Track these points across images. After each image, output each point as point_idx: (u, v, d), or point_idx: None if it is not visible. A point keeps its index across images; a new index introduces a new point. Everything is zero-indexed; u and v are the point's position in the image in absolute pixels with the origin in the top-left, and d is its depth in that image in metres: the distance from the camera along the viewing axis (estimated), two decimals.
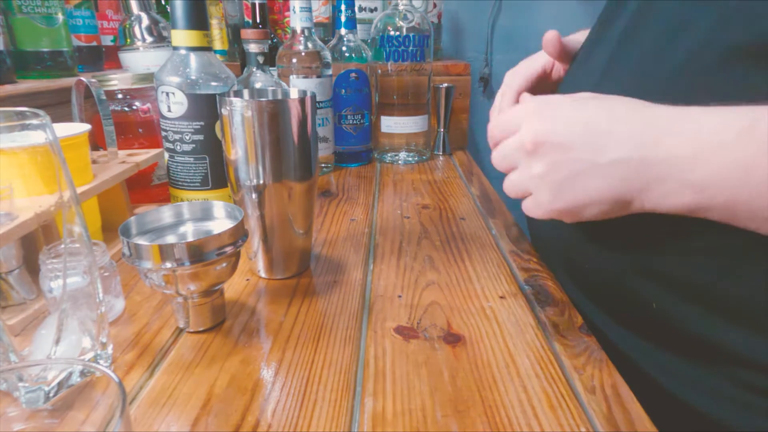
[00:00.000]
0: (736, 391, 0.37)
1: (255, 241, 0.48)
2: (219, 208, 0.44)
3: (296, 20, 0.79)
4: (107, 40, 0.94)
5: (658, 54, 0.39)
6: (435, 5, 1.15)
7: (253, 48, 0.69)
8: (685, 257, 0.37)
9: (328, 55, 0.82)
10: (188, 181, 0.60)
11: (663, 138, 0.31)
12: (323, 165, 0.88)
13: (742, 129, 0.29)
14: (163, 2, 1.01)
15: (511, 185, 0.39)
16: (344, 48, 0.89)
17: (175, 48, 0.57)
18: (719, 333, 0.37)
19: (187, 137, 0.58)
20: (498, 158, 0.39)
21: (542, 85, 0.59)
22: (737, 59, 0.34)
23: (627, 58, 0.42)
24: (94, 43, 0.87)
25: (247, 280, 0.50)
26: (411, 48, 0.88)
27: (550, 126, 0.35)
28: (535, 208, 0.38)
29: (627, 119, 0.33)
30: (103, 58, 0.90)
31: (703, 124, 0.30)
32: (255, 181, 0.46)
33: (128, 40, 0.87)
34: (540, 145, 0.35)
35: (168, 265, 0.36)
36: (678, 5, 0.38)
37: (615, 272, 0.42)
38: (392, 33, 0.88)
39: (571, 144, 0.34)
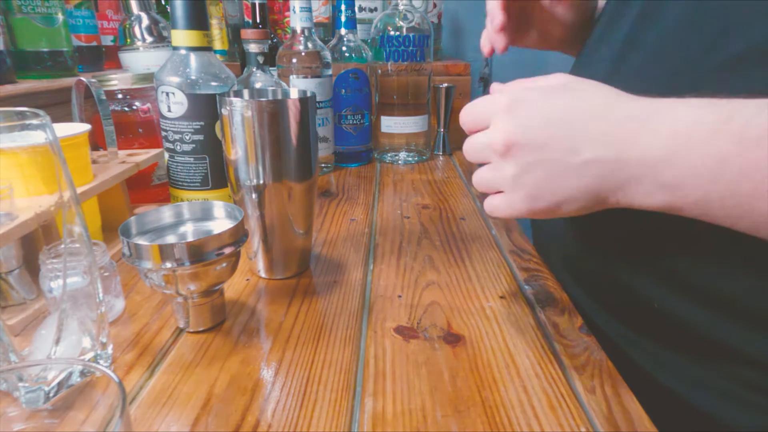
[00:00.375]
0: (737, 389, 0.37)
1: (255, 241, 0.48)
2: (219, 208, 0.44)
3: (296, 20, 0.79)
4: (107, 40, 0.94)
5: (663, 55, 0.39)
6: (435, 5, 1.15)
7: (253, 48, 0.69)
8: (686, 256, 0.37)
9: (328, 55, 0.82)
10: (188, 181, 0.60)
11: (638, 136, 0.30)
12: (323, 165, 0.88)
13: (717, 124, 0.28)
14: (163, 2, 1.01)
15: (482, 181, 0.37)
16: (344, 48, 0.89)
17: (175, 48, 0.57)
18: (719, 331, 0.37)
19: (187, 137, 0.58)
20: (470, 150, 0.38)
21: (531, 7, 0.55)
22: (746, 61, 0.33)
23: (632, 59, 0.42)
24: (94, 43, 0.87)
25: (247, 280, 0.50)
26: (411, 48, 0.88)
27: (521, 126, 0.34)
28: (507, 207, 0.36)
29: (602, 115, 0.32)
30: (103, 58, 0.90)
31: (678, 120, 0.30)
32: (255, 181, 0.46)
33: (128, 40, 0.87)
34: (511, 146, 0.34)
35: (168, 265, 0.36)
36: (685, 5, 0.38)
37: (615, 271, 0.42)
38: (392, 33, 0.88)
39: (543, 144, 0.33)
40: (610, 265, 0.43)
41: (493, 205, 0.36)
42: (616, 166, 0.31)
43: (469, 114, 0.37)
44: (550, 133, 0.33)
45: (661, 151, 0.30)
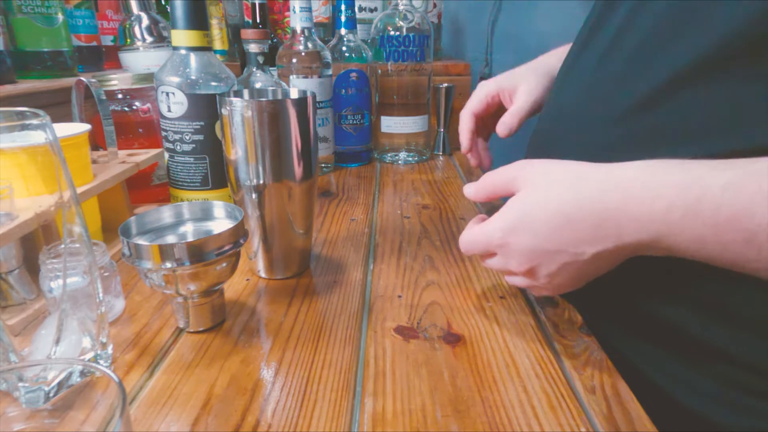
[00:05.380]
0: (728, 392, 0.37)
1: (255, 241, 0.48)
2: (219, 208, 0.44)
3: (296, 20, 0.79)
4: (107, 40, 0.94)
5: (643, 59, 0.39)
6: (435, 5, 1.16)
7: (253, 48, 0.69)
8: (675, 261, 0.37)
9: (328, 55, 0.82)
10: (188, 181, 0.60)
11: (623, 227, 0.34)
12: (323, 165, 0.88)
13: (688, 208, 0.31)
14: (163, 2, 1.01)
15: (521, 285, 0.42)
16: (344, 48, 0.89)
17: (175, 48, 0.57)
18: (710, 335, 0.37)
19: (187, 137, 0.58)
20: (494, 268, 0.42)
21: (498, 111, 0.63)
22: (730, 59, 0.34)
23: (614, 65, 0.42)
24: (94, 43, 0.87)
25: (247, 280, 0.50)
26: (411, 48, 0.88)
27: (526, 252, 0.38)
28: (558, 293, 0.41)
29: (582, 218, 0.35)
30: (103, 58, 0.90)
31: (652, 206, 0.32)
32: (255, 181, 0.46)
33: (128, 40, 0.87)
34: (530, 269, 0.38)
35: (168, 265, 0.36)
36: (669, 5, 0.38)
37: (606, 275, 0.42)
38: (392, 33, 0.88)
39: (553, 257, 0.37)
40: None
41: (543, 294, 0.42)
42: (618, 250, 0.35)
43: (469, 251, 0.43)
44: (552, 248, 0.37)
45: (648, 234, 0.33)
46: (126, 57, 0.87)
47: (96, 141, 0.68)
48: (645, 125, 0.39)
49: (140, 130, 0.69)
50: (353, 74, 0.88)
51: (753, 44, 0.33)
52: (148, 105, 0.69)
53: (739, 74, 0.34)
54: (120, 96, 0.68)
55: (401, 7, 0.88)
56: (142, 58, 0.85)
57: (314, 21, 0.89)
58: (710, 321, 0.37)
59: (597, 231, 0.34)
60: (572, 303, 0.46)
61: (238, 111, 0.44)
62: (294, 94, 0.51)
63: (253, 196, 0.46)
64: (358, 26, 0.95)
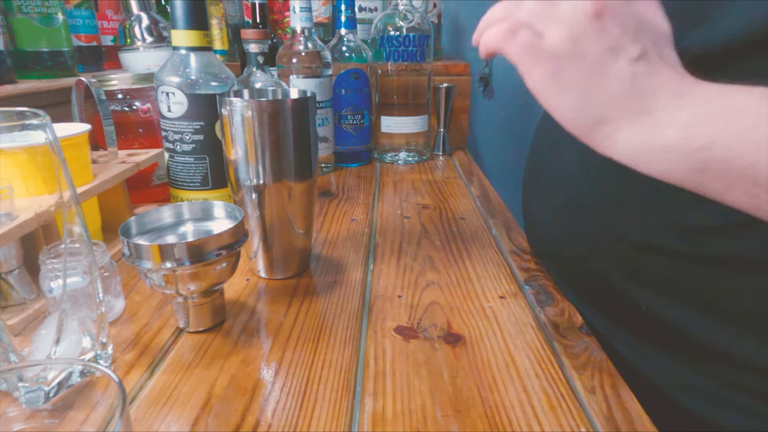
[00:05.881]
0: (732, 394, 0.37)
1: (255, 241, 0.48)
2: (219, 208, 0.44)
3: (296, 20, 0.79)
4: (107, 40, 0.94)
5: None
6: (435, 5, 1.15)
7: (253, 48, 0.69)
8: (671, 261, 0.37)
9: (328, 55, 0.82)
10: (188, 181, 0.60)
11: (676, 58, 0.31)
12: (323, 165, 0.88)
13: (735, 88, 0.29)
14: (163, 2, 1.01)
15: (515, 13, 0.34)
16: (344, 48, 0.89)
17: (175, 48, 0.57)
18: (707, 334, 0.37)
19: (187, 137, 0.58)
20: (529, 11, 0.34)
21: None
22: (736, 56, 0.34)
23: None
24: (94, 43, 0.87)
25: (247, 280, 0.50)
26: (411, 48, 0.88)
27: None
28: (527, 48, 0.33)
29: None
30: (103, 58, 0.90)
31: (702, 82, 0.30)
32: (255, 181, 0.46)
33: (128, 40, 0.87)
34: (604, 11, 0.31)
35: (168, 265, 0.36)
36: (674, 5, 0.38)
37: (604, 275, 0.42)
38: (392, 33, 0.88)
39: (628, 20, 0.31)
40: (598, 268, 0.43)
41: (522, 42, 0.33)
42: (656, 69, 0.31)
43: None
44: (636, 22, 0.31)
45: (688, 81, 0.30)
46: (126, 57, 0.87)
47: (96, 141, 0.68)
48: None
49: (140, 130, 0.69)
50: (353, 74, 0.88)
51: (759, 42, 0.33)
52: (148, 105, 0.69)
53: (744, 72, 0.34)
54: (120, 96, 0.68)
55: (401, 7, 0.88)
56: (142, 58, 0.85)
57: (314, 21, 0.89)
58: (711, 322, 0.37)
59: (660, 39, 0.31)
60: (572, 303, 0.46)
61: (238, 111, 0.44)
62: (294, 94, 0.51)
63: (253, 196, 0.46)
64: (358, 26, 0.95)
